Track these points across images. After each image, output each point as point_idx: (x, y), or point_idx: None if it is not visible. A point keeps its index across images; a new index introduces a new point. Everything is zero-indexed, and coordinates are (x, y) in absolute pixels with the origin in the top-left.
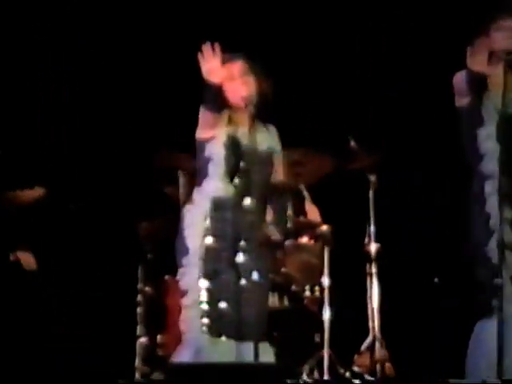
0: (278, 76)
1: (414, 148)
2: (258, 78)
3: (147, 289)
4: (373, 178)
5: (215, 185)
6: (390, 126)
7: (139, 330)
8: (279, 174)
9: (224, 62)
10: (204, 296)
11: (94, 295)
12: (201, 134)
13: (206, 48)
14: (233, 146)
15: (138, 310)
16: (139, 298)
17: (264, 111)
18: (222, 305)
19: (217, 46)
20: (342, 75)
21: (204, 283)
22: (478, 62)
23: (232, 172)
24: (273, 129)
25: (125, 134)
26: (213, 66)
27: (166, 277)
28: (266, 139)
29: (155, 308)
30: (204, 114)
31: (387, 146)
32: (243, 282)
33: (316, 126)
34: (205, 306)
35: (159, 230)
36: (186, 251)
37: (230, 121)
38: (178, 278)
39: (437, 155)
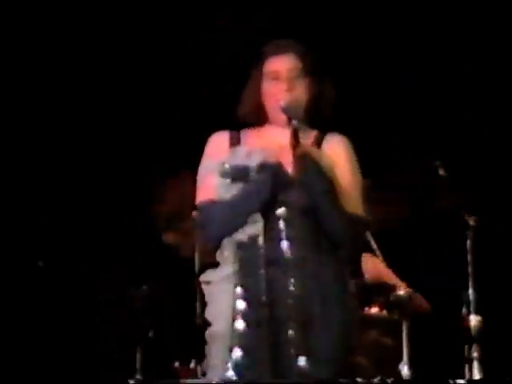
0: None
1: None
2: (314, 82)
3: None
4: (472, 220)
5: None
6: (496, 149)
7: None
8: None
9: (270, 53)
10: None
11: None
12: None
13: None
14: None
15: None
16: None
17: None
18: None
19: None
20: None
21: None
22: None
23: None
24: (339, 141)
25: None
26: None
27: (176, 364)
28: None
29: None
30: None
31: (494, 176)
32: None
33: (388, 147)
34: None
35: (166, 295)
36: (214, 336)
37: (259, 140)
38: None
39: None
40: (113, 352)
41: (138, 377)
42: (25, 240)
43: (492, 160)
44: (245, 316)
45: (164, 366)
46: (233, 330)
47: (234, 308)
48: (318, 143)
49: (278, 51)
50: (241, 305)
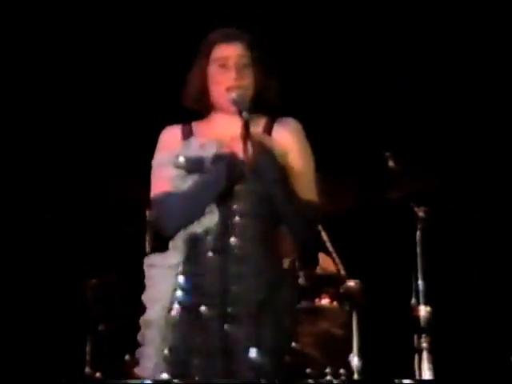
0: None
1: (479, 169)
2: (261, 72)
3: (98, 375)
4: (421, 211)
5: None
6: (446, 139)
7: None
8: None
9: (219, 40)
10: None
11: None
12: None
13: None
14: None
15: None
16: None
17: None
18: None
19: None
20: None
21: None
22: None
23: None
24: (289, 126)
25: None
26: None
27: (126, 357)
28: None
29: None
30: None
31: (443, 167)
32: (235, 363)
33: (339, 141)
34: None
35: (116, 290)
36: (148, 322)
37: (211, 130)
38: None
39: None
40: (63, 345)
41: (88, 369)
42: None
43: (442, 152)
44: (183, 304)
45: (114, 359)
46: (168, 317)
47: (172, 296)
48: (268, 130)
49: (228, 38)
50: (180, 294)
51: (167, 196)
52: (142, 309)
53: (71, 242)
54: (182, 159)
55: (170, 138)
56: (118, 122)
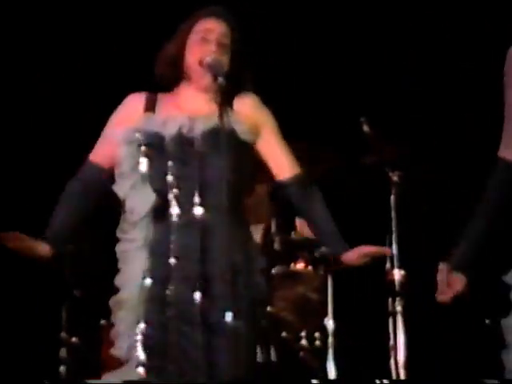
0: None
1: (452, 134)
2: (238, 56)
3: (74, 339)
4: (395, 176)
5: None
6: (419, 105)
7: None
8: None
9: (204, 14)
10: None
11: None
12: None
13: None
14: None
15: (61, 368)
16: (62, 352)
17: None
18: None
19: None
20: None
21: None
22: None
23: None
24: (251, 101)
25: None
26: None
27: (102, 321)
28: (238, 121)
29: (85, 366)
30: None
31: (416, 132)
32: (211, 328)
33: (314, 107)
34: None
35: (91, 255)
36: (120, 302)
37: (176, 104)
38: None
39: (482, 143)
40: (39, 310)
41: (64, 334)
42: None
43: (416, 115)
44: (152, 274)
45: (90, 324)
46: (140, 295)
47: (143, 274)
48: (230, 105)
49: (214, 14)
50: (150, 264)
51: (88, 162)
52: (114, 290)
53: (45, 210)
54: (138, 136)
55: (132, 107)
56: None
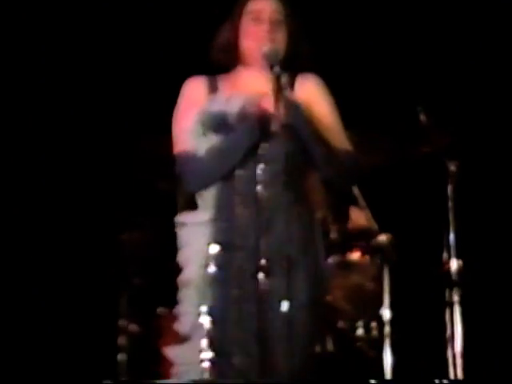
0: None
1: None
2: (293, 30)
3: (132, 326)
4: (453, 166)
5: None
6: (478, 94)
7: None
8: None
9: None
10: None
11: (60, 336)
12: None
13: None
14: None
15: (119, 356)
16: (121, 340)
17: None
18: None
19: None
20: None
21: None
22: None
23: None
24: (312, 82)
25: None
26: None
27: (160, 309)
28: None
29: (143, 354)
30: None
31: (474, 122)
32: (269, 315)
33: (371, 95)
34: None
35: (150, 243)
36: (185, 281)
37: (237, 85)
38: (175, 312)
39: None
40: (97, 298)
41: (122, 322)
42: None
43: (474, 106)
44: (217, 261)
45: (148, 312)
46: (204, 275)
47: (206, 253)
48: (291, 85)
49: None
50: (214, 249)
51: (192, 153)
52: (178, 269)
53: (106, 198)
54: (207, 115)
55: (195, 90)
56: (149, 79)
